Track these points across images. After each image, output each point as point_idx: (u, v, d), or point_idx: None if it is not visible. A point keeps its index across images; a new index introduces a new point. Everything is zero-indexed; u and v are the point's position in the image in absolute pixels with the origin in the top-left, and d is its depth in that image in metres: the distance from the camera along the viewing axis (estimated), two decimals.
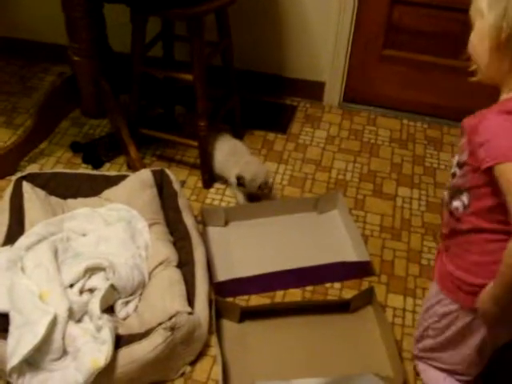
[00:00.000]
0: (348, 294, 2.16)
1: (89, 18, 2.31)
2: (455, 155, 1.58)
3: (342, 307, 2.09)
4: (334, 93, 3.12)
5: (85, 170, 2.61)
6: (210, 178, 2.59)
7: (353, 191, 2.62)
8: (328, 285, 2.21)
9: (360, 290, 2.18)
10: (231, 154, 2.54)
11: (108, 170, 2.63)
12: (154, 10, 2.26)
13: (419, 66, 2.97)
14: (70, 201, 2.31)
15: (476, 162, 1.38)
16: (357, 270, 2.23)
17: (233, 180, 2.48)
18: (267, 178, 2.47)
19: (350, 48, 2.97)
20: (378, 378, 1.81)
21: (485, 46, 1.38)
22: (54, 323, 1.75)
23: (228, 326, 2.05)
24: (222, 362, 1.88)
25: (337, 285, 2.21)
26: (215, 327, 1.99)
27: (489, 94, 2.92)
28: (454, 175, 1.56)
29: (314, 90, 3.14)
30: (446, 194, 1.60)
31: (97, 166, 2.66)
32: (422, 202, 2.59)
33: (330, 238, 2.38)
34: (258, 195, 2.51)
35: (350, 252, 2.31)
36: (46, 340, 1.73)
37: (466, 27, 2.73)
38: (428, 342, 1.78)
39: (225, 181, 2.59)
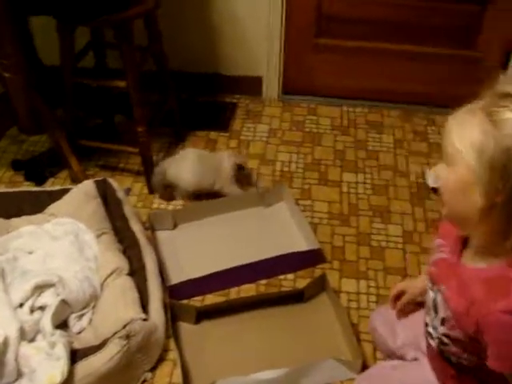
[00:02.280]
0: (302, 284, 2.17)
1: (14, 32, 2.27)
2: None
3: (296, 297, 2.10)
4: (272, 86, 3.13)
5: (27, 187, 2.57)
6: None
7: (298, 182, 2.63)
8: (281, 277, 2.22)
9: (313, 278, 2.19)
10: (202, 163, 2.49)
11: (52, 185, 2.59)
12: (80, 19, 2.23)
13: (354, 52, 3.00)
14: (14, 220, 2.26)
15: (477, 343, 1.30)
16: (308, 259, 2.25)
17: (230, 174, 2.48)
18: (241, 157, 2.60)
19: (283, 40, 2.98)
20: (339, 363, 1.84)
21: (469, 200, 1.18)
22: (5, 345, 1.71)
23: (185, 328, 2.04)
24: (182, 364, 1.87)
25: (290, 276, 2.22)
26: (172, 330, 1.98)
27: (422, 75, 2.99)
28: (431, 334, 1.48)
29: (252, 86, 3.14)
30: (432, 342, 1.50)
31: (40, 183, 2.62)
32: (367, 185, 2.62)
33: (279, 230, 2.39)
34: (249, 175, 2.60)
35: (300, 242, 2.32)
36: None
37: (396, 10, 2.80)
38: None
39: (196, 196, 2.55)
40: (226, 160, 2.50)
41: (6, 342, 1.72)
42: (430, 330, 1.48)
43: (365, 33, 2.93)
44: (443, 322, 1.39)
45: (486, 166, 1.11)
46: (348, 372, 1.85)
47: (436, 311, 1.43)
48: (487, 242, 1.24)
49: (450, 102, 3.10)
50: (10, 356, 1.71)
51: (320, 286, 2.11)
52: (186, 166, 2.48)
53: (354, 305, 2.11)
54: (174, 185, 2.50)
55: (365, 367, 1.86)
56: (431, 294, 1.46)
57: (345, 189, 2.60)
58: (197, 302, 2.12)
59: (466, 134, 1.14)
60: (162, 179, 2.50)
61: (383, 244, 2.35)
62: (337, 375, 1.85)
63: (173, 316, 2.02)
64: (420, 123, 3.00)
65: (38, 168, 2.66)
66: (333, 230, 2.41)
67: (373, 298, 2.14)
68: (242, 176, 2.53)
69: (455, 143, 1.16)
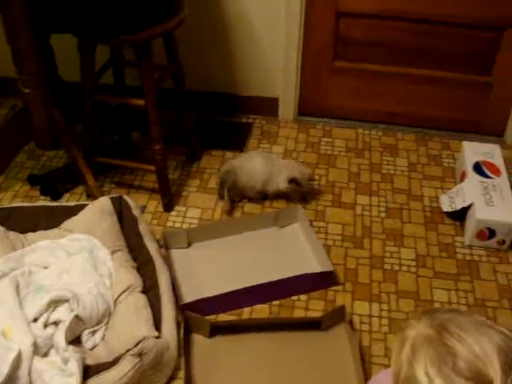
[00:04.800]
0: (315, 306, 2.18)
1: (35, 49, 2.29)
2: None
3: (313, 324, 2.09)
4: (288, 107, 3.15)
5: (43, 202, 2.59)
6: (170, 200, 2.59)
7: (313, 203, 2.64)
8: (294, 298, 2.22)
9: (326, 299, 2.20)
10: (267, 166, 2.57)
11: (67, 201, 2.61)
12: (101, 37, 2.26)
13: (370, 75, 3.02)
14: (30, 234, 2.28)
15: None
16: (321, 281, 2.25)
17: (284, 185, 2.54)
18: (309, 171, 2.62)
19: (300, 62, 3.00)
20: None
21: None
22: (18, 360, 1.73)
23: (198, 340, 2.06)
24: (189, 376, 1.90)
25: (303, 297, 2.22)
26: (184, 342, 1.99)
27: (437, 100, 3.01)
28: None
29: (268, 106, 3.16)
30: None
31: (55, 198, 2.64)
32: (381, 208, 2.62)
33: (292, 252, 2.40)
34: (306, 194, 2.64)
35: (313, 263, 2.33)
36: (12, 378, 1.71)
37: (412, 35, 2.82)
38: None
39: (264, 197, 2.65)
40: (284, 170, 2.55)
41: (19, 357, 1.73)
42: None
43: (381, 56, 2.95)
44: None
45: None
46: None
47: None
48: None
49: (465, 126, 3.15)
50: (23, 370, 1.73)
51: (338, 316, 2.10)
52: (255, 165, 2.56)
53: (366, 327, 2.11)
54: (242, 185, 2.57)
55: None
56: None
57: (359, 211, 2.61)
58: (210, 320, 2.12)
59: (398, 356, 1.09)
60: (234, 180, 2.55)
61: (396, 267, 2.35)
62: None
63: (187, 328, 2.04)
64: (435, 147, 3.00)
65: (53, 183, 2.68)
66: (346, 252, 2.41)
67: (385, 322, 2.13)
68: (295, 191, 2.57)
69: (392, 355, 1.13)
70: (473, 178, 2.57)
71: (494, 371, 0.96)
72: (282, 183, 2.54)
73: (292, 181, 2.51)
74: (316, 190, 2.67)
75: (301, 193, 2.59)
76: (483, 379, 0.97)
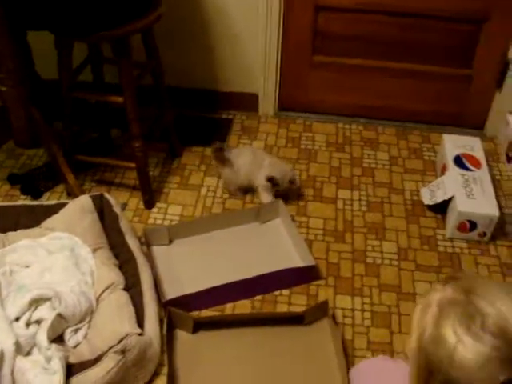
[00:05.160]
0: (297, 300, 2.18)
1: (12, 46, 2.27)
2: None
3: (296, 319, 2.09)
4: (268, 103, 3.15)
5: (24, 201, 2.57)
6: (151, 197, 2.58)
7: (294, 198, 2.64)
8: (277, 292, 2.22)
9: (308, 294, 2.20)
10: (253, 162, 2.58)
11: (48, 200, 2.59)
12: (78, 34, 2.24)
13: (350, 69, 3.02)
14: (10, 233, 2.26)
15: None
16: (303, 275, 2.25)
17: (263, 183, 2.54)
18: (294, 173, 2.60)
19: (279, 57, 3.00)
20: None
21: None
22: (1, 359, 1.72)
23: (181, 336, 2.06)
24: (173, 372, 1.90)
25: (285, 292, 2.23)
26: (167, 338, 2.00)
27: (417, 93, 3.03)
28: None
29: (248, 102, 3.16)
30: None
31: (36, 197, 2.62)
32: (362, 202, 2.63)
33: (274, 247, 2.40)
34: (286, 193, 2.61)
35: (295, 258, 2.33)
36: None
37: (391, 28, 2.83)
38: None
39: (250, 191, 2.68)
40: (265, 168, 2.56)
41: (1, 356, 1.72)
42: None
43: (360, 50, 2.95)
44: None
45: (421, 356, 1.13)
46: None
47: None
48: None
49: (445, 119, 3.16)
50: (6, 370, 1.72)
51: (321, 311, 2.10)
52: (240, 160, 2.59)
53: (348, 321, 2.12)
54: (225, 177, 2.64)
55: None
56: None
57: (340, 205, 2.61)
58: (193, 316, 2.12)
59: (422, 319, 1.14)
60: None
61: (378, 261, 2.36)
62: None
63: (170, 323, 2.04)
64: (415, 140, 3.02)
65: (34, 182, 2.66)
66: (328, 246, 2.42)
67: (367, 315, 2.14)
68: (276, 188, 2.57)
69: (414, 320, 1.18)
70: (453, 170, 2.59)
71: None
72: (259, 180, 2.55)
73: (270, 180, 2.51)
74: (297, 191, 2.66)
75: (278, 192, 2.58)
76: (510, 337, 1.02)
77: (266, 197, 2.56)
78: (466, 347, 1.03)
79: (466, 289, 1.10)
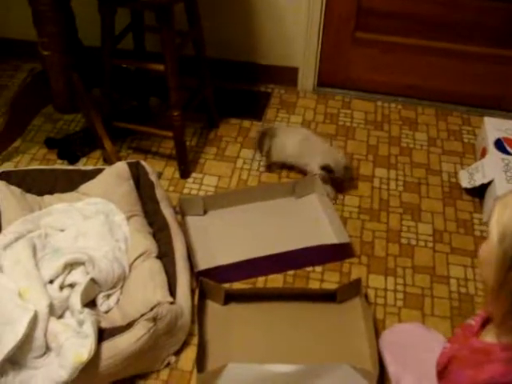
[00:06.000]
0: (329, 277, 2.17)
1: (56, 11, 2.28)
2: None
3: (328, 296, 2.08)
4: (307, 78, 3.12)
5: (60, 165, 2.59)
6: (187, 167, 2.58)
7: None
8: (309, 268, 2.22)
9: (341, 272, 2.19)
10: (304, 145, 2.53)
11: (84, 165, 2.61)
12: (122, 0, 2.24)
13: (391, 47, 2.97)
14: (47, 197, 2.28)
15: None
16: (337, 253, 2.24)
17: (317, 170, 2.48)
18: (348, 161, 2.53)
19: (321, 32, 2.96)
20: (354, 370, 1.80)
21: (489, 273, 1.21)
22: (34, 321, 1.74)
23: (212, 307, 2.07)
24: (203, 342, 1.91)
25: (318, 268, 2.22)
26: (198, 308, 2.00)
27: (459, 74, 2.97)
28: None
29: (287, 76, 3.14)
30: None
31: (72, 161, 2.64)
32: (399, 182, 2.60)
33: (309, 222, 2.39)
34: (341, 180, 2.54)
35: (329, 235, 2.32)
36: (28, 338, 1.72)
37: (436, 6, 2.77)
38: None
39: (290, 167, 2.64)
40: (318, 156, 2.49)
41: (35, 318, 1.74)
42: None
43: (403, 28, 2.90)
44: None
45: (502, 250, 1.16)
46: (362, 381, 1.80)
47: None
48: (499, 319, 1.26)
49: (487, 102, 3.10)
50: (39, 331, 1.74)
51: (354, 290, 2.09)
52: (289, 141, 2.56)
53: (380, 301, 2.11)
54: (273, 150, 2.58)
55: (382, 378, 1.82)
56: None
57: (376, 184, 2.59)
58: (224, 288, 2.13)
59: (503, 215, 1.18)
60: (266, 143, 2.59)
61: (413, 242, 2.33)
62: (350, 382, 1.81)
63: (202, 294, 2.05)
64: (455, 122, 2.97)
65: (71, 147, 2.68)
66: (362, 224, 2.40)
67: (400, 296, 2.13)
68: (329, 176, 2.50)
69: (492, 219, 1.21)
70: (494, 154, 2.54)
71: None
72: (315, 169, 2.50)
73: (324, 168, 2.47)
74: (351, 178, 2.59)
75: (333, 180, 2.52)
76: None
77: (325, 187, 2.49)
78: None
79: None
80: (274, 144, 2.56)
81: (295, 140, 2.54)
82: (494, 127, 2.68)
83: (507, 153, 2.53)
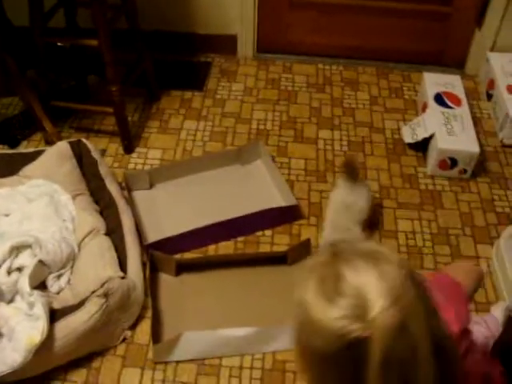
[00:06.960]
0: (279, 240, 2.19)
1: None
2: None
3: (279, 259, 2.10)
4: (247, 45, 3.10)
5: (1, 150, 2.54)
6: (130, 142, 2.55)
7: (275, 139, 2.62)
8: (259, 233, 2.23)
9: (291, 234, 2.21)
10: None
11: (26, 148, 2.56)
12: None
13: (329, 8, 2.97)
14: None
15: None
16: (286, 215, 2.26)
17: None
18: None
19: None
20: None
21: None
22: None
23: (164, 279, 2.07)
24: (157, 315, 1.92)
25: (268, 232, 2.23)
26: (150, 281, 2.00)
27: (397, 32, 2.97)
28: None
29: (226, 44, 3.11)
30: None
31: (13, 145, 2.59)
32: (343, 142, 2.62)
33: (256, 188, 2.40)
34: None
35: (277, 198, 2.33)
36: None
37: None
38: None
39: None
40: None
41: None
42: None
43: None
44: None
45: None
46: None
47: None
48: None
49: (426, 58, 3.12)
50: None
51: (304, 250, 2.10)
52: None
53: None
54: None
55: None
56: None
57: (321, 146, 2.60)
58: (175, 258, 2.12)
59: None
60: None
61: None
62: None
63: (153, 266, 2.04)
64: (396, 80, 2.99)
65: (10, 131, 2.62)
66: (309, 186, 2.42)
67: None
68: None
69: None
70: (434, 108, 2.57)
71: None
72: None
73: None
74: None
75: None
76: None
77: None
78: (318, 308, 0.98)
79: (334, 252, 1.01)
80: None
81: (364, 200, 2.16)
82: (433, 82, 2.72)
83: (447, 106, 2.57)
